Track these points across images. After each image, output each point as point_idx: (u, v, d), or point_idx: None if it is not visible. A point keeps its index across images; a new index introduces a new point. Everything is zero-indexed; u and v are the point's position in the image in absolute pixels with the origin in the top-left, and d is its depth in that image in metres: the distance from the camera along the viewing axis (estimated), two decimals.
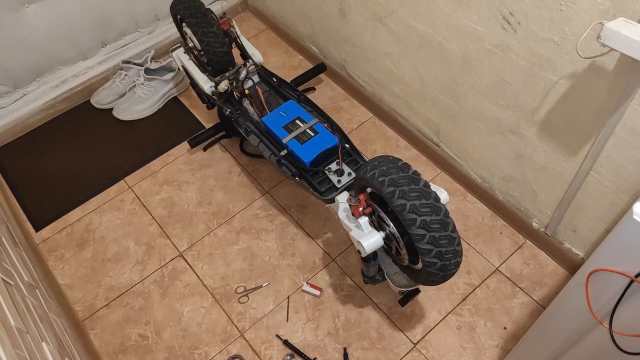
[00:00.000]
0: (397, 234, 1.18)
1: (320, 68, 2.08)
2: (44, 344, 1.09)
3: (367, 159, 1.31)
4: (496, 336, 1.49)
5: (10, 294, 1.09)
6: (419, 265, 1.21)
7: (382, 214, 1.20)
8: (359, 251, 1.27)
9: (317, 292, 1.59)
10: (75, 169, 1.96)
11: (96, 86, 2.16)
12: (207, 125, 2.05)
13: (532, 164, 1.46)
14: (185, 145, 2.00)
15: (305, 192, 1.80)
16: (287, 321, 1.55)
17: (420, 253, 1.09)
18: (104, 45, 2.15)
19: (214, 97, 1.74)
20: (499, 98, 1.42)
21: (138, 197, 1.87)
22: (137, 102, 2.08)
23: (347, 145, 1.51)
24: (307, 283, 1.61)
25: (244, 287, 1.63)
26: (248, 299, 1.60)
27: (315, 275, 1.64)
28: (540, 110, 1.32)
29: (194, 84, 1.85)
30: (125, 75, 2.10)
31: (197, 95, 1.94)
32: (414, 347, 1.49)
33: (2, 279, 1.11)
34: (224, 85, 1.67)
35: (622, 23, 0.93)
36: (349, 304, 1.57)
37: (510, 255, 1.63)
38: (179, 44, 1.90)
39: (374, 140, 1.94)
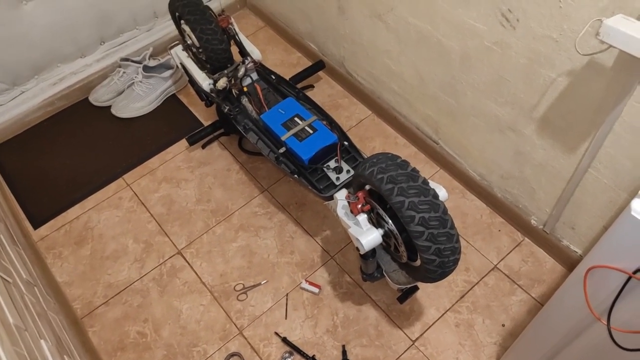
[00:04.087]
0: (396, 231, 1.18)
1: (319, 65, 2.08)
2: (42, 341, 1.09)
3: (366, 157, 1.31)
4: (494, 333, 1.49)
5: (8, 292, 1.09)
6: (418, 263, 1.21)
7: (381, 211, 1.20)
8: (357, 248, 1.27)
9: (316, 290, 1.59)
10: (74, 167, 1.96)
11: (94, 84, 2.15)
12: (206, 123, 2.05)
13: (530, 161, 1.46)
14: (183, 142, 2.00)
15: (304, 189, 1.80)
16: (286, 319, 1.55)
17: (418, 250, 1.09)
18: (103, 43, 2.15)
19: (212, 94, 1.73)
20: (497, 95, 1.42)
21: (136, 195, 1.86)
22: (136, 99, 2.07)
23: (345, 143, 1.51)
24: (306, 280, 1.61)
25: (243, 284, 1.63)
26: (247, 297, 1.60)
27: (314, 272, 1.64)
28: (539, 107, 1.32)
29: (192, 82, 1.85)
30: (124, 72, 2.10)
31: (195, 92, 1.93)
32: (413, 344, 1.49)
33: (1, 276, 1.11)
34: (222, 83, 1.67)
35: (620, 20, 0.93)
36: (347, 301, 1.58)
37: (509, 253, 1.64)
38: (177, 42, 1.90)
39: (373, 138, 1.94)
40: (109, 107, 2.12)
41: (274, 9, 2.27)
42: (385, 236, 1.23)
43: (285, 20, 2.25)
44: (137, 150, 1.99)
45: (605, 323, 0.86)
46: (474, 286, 1.58)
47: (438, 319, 1.53)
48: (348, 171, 1.46)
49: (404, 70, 1.71)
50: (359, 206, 1.24)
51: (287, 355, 1.48)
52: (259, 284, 1.62)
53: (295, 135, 1.50)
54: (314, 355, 1.48)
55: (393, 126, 1.96)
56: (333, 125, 1.58)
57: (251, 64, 1.74)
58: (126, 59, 2.10)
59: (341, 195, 1.35)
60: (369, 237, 1.21)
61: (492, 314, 1.52)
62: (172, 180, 1.89)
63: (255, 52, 1.78)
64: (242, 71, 1.70)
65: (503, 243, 1.66)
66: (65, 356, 1.19)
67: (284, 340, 1.51)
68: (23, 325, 1.03)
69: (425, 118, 1.78)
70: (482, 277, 1.59)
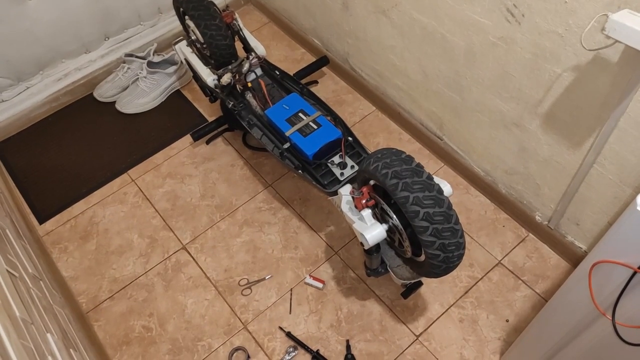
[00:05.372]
0: (400, 226, 1.18)
1: (323, 61, 2.07)
2: (48, 335, 1.10)
3: (370, 152, 1.31)
4: (498, 329, 1.50)
5: (15, 286, 1.09)
6: (422, 258, 1.21)
7: (385, 207, 1.20)
8: (361, 243, 1.27)
9: (320, 285, 1.59)
10: (79, 162, 1.97)
11: (99, 79, 2.16)
12: (210, 119, 2.05)
13: (535, 157, 1.46)
14: (188, 138, 2.00)
15: (308, 185, 1.80)
16: (290, 313, 1.56)
17: (423, 245, 1.10)
18: (107, 39, 2.15)
19: (216, 90, 1.73)
20: (502, 91, 1.42)
21: (141, 190, 1.87)
22: (140, 95, 2.08)
23: (350, 138, 1.51)
24: (310, 276, 1.61)
25: (247, 279, 1.63)
26: (251, 292, 1.61)
27: (318, 268, 1.64)
28: (543, 103, 1.32)
29: (196, 77, 1.85)
30: (128, 68, 2.10)
31: (199, 88, 1.94)
32: (417, 339, 1.49)
33: (7, 270, 1.11)
34: (226, 79, 1.67)
35: (626, 15, 0.93)
36: (351, 296, 1.58)
37: (513, 249, 1.64)
38: (181, 37, 1.90)
39: (377, 134, 1.94)
40: (114, 102, 2.12)
41: (278, 5, 2.27)
42: (389, 231, 1.24)
43: (289, 16, 2.25)
44: (142, 146, 2.00)
45: (610, 318, 0.86)
46: (478, 282, 1.58)
47: (442, 314, 1.53)
48: (352, 167, 1.47)
49: (408, 66, 1.71)
50: (363, 201, 1.24)
51: (291, 349, 1.49)
52: (263, 279, 1.63)
53: (300, 130, 1.50)
54: (317, 349, 1.49)
55: (397, 122, 1.96)
56: (337, 120, 1.58)
57: (255, 60, 1.74)
58: (130, 55, 2.10)
59: (345, 190, 1.35)
60: (373, 232, 1.21)
61: (496, 310, 1.53)
62: (177, 176, 1.90)
63: (259, 48, 1.78)
64: (246, 67, 1.70)
65: (507, 239, 1.66)
66: (71, 350, 1.20)
67: (288, 334, 1.52)
68: (29, 319, 1.04)
69: (429, 114, 1.78)
70: (486, 273, 1.59)
